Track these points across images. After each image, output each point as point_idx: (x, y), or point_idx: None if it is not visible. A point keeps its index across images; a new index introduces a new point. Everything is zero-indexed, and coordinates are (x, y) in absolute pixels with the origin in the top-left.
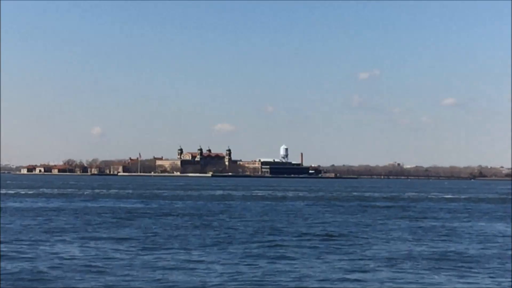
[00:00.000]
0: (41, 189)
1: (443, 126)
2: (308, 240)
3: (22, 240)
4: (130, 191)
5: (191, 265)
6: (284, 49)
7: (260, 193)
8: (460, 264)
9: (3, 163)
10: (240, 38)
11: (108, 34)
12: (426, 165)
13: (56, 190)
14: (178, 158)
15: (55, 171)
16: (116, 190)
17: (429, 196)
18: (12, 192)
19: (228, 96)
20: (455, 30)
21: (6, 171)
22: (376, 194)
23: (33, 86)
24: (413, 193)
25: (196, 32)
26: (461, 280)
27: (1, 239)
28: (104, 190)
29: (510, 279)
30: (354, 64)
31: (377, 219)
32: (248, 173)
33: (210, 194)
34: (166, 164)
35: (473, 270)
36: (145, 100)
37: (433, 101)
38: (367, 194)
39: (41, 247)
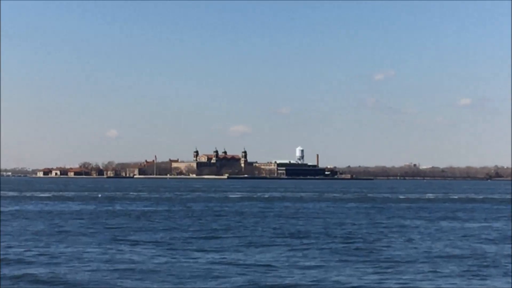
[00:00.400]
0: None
1: (459, 127)
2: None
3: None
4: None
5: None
6: (299, 51)
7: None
8: None
9: (20, 166)
10: (255, 40)
11: (121, 38)
12: (442, 165)
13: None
14: (194, 160)
15: (71, 174)
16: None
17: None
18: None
19: (243, 98)
20: (471, 30)
21: (22, 174)
22: (431, 195)
23: (49, 90)
24: (462, 195)
25: (212, 34)
26: None
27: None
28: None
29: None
30: (369, 65)
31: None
32: (264, 175)
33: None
34: (182, 166)
35: None
36: (160, 102)
37: (449, 101)
38: (413, 196)
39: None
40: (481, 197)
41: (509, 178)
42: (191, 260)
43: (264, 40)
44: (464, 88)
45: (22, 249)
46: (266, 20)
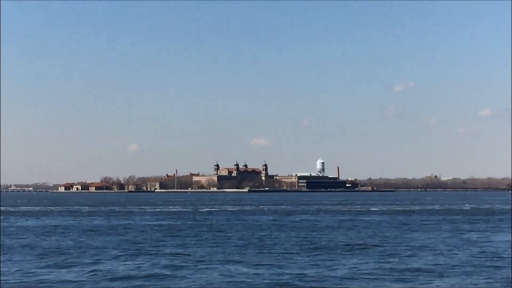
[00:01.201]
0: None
1: (479, 137)
2: None
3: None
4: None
5: None
6: (318, 63)
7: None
8: None
9: (41, 181)
10: (275, 52)
11: (144, 52)
12: (463, 177)
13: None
14: (214, 173)
15: (92, 189)
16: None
17: None
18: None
19: (263, 111)
20: (491, 40)
21: (43, 190)
22: (468, 206)
23: (69, 105)
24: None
25: (230, 46)
26: None
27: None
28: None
29: None
30: (389, 76)
31: None
32: (284, 188)
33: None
34: (203, 180)
35: None
36: (181, 116)
37: (469, 112)
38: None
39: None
40: None
41: None
42: None
43: (285, 52)
44: (485, 98)
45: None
46: (286, 32)
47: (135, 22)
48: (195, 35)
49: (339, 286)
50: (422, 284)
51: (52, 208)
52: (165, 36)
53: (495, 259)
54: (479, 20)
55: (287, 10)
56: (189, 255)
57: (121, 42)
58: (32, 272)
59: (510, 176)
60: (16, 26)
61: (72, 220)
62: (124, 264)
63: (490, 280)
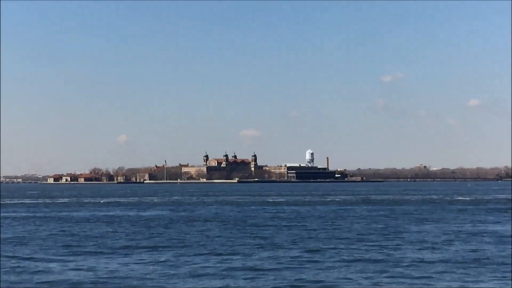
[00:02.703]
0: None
1: (468, 128)
2: None
3: None
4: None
5: None
6: (307, 54)
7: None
8: None
9: (30, 173)
10: (263, 44)
11: (134, 43)
12: (452, 167)
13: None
14: (204, 164)
15: (81, 180)
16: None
17: None
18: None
19: (253, 102)
20: (479, 30)
21: (32, 181)
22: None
23: (58, 96)
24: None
25: (220, 39)
26: None
27: None
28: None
29: None
30: (377, 67)
31: None
32: (274, 178)
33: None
34: (192, 170)
35: None
36: (170, 107)
37: (458, 102)
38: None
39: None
40: None
41: None
42: None
43: (273, 44)
44: (473, 89)
45: None
46: (275, 23)
47: (123, 17)
48: (183, 28)
49: None
50: None
51: None
52: (153, 29)
53: None
54: (466, 12)
55: (275, 4)
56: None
57: (110, 35)
58: None
59: (499, 166)
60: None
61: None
62: None
63: None
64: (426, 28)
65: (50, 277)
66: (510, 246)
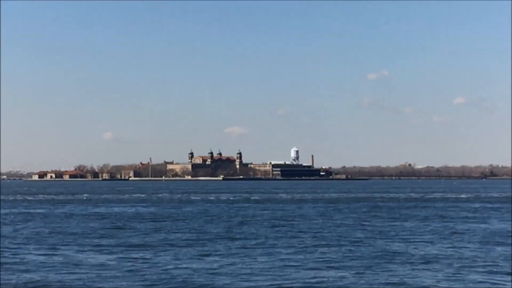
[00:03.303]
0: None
1: (453, 126)
2: None
3: None
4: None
5: None
6: (292, 51)
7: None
8: None
9: (15, 169)
10: (249, 41)
11: (118, 39)
12: (437, 165)
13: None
14: (189, 162)
15: (66, 177)
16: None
17: None
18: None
19: (238, 99)
20: (464, 29)
21: (17, 178)
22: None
23: (44, 92)
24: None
25: (205, 35)
26: None
27: None
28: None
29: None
30: (363, 65)
31: None
32: (259, 176)
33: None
34: (177, 168)
35: None
36: (155, 104)
37: (443, 100)
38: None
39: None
40: None
41: (504, 177)
42: None
43: (258, 41)
44: (459, 87)
45: None
46: (260, 21)
47: (108, 15)
48: (170, 25)
49: None
50: None
51: None
52: (138, 28)
53: None
54: (452, 11)
55: (261, 2)
56: None
57: (95, 33)
58: None
59: (483, 164)
60: None
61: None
62: None
63: None
64: (412, 26)
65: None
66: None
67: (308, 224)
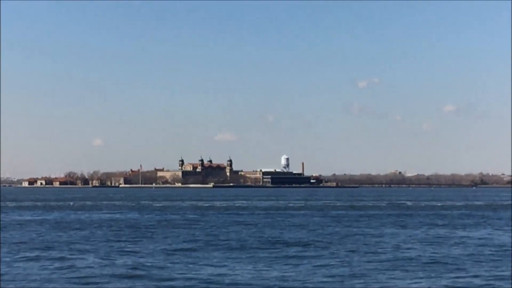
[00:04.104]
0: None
1: (444, 133)
2: None
3: None
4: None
5: None
6: (282, 58)
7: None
8: None
9: (5, 176)
10: (238, 47)
11: (108, 45)
12: (427, 173)
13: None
14: (179, 169)
15: (56, 184)
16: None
17: None
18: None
19: (228, 106)
20: (454, 35)
21: (7, 184)
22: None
23: (33, 98)
24: None
25: (195, 42)
26: None
27: None
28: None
29: None
30: (353, 72)
31: None
32: (249, 183)
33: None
34: (167, 175)
35: None
36: (145, 111)
37: (433, 108)
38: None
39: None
40: None
41: (495, 185)
42: None
43: (248, 48)
44: (449, 94)
45: None
46: (250, 27)
47: (97, 21)
48: (159, 34)
49: None
50: None
51: None
52: (128, 35)
53: None
54: (442, 16)
55: (252, 5)
56: None
57: (87, 38)
58: None
59: (473, 173)
60: None
61: None
62: None
63: None
64: (402, 33)
65: None
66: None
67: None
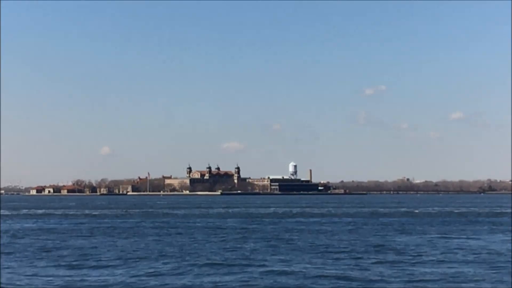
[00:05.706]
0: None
1: (451, 140)
2: None
3: None
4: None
5: None
6: (290, 67)
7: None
8: None
9: (13, 184)
10: (247, 56)
11: (116, 54)
12: (435, 179)
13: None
14: (187, 176)
15: (64, 192)
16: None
17: None
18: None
19: (236, 115)
20: (461, 44)
21: (15, 192)
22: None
23: (41, 106)
24: None
25: (203, 51)
26: None
27: None
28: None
29: None
30: (360, 80)
31: None
32: (257, 191)
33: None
34: (175, 183)
35: None
36: (153, 119)
37: (440, 115)
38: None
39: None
40: None
41: (503, 192)
42: None
43: (256, 57)
44: (456, 102)
45: None
46: (258, 36)
47: (103, 28)
48: (165, 38)
49: None
50: None
51: None
52: (136, 39)
53: None
54: (448, 23)
55: (258, 14)
56: None
57: (93, 44)
58: None
59: (481, 179)
60: None
61: None
62: None
63: None
64: (409, 41)
65: None
66: None
67: None
